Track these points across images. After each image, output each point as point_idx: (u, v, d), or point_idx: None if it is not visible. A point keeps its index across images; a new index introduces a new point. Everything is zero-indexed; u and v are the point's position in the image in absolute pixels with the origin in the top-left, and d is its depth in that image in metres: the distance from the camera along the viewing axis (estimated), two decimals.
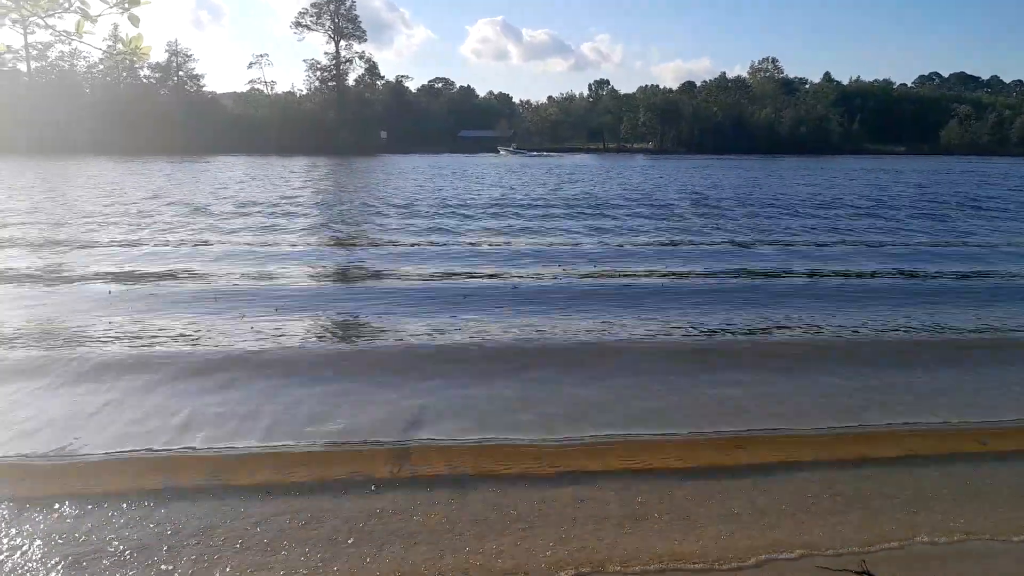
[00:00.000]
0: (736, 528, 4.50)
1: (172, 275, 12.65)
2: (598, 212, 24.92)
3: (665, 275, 13.24)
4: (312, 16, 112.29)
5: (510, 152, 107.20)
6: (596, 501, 4.81)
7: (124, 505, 4.66)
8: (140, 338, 8.56)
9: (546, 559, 4.14)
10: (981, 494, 4.98)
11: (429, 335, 8.87)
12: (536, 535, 4.39)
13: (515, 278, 12.72)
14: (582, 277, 12.95)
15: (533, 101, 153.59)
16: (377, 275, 13.17)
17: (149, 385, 6.95)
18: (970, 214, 25.44)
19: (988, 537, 4.41)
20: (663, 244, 17.45)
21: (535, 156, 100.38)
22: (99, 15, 3.12)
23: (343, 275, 13.39)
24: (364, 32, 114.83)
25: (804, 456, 5.56)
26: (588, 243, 17.45)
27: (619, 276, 13.11)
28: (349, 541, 4.29)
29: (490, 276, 12.98)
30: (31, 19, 3.40)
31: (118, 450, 5.58)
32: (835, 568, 4.03)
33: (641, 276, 13.15)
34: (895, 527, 4.52)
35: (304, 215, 23.23)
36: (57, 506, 4.64)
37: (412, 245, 16.95)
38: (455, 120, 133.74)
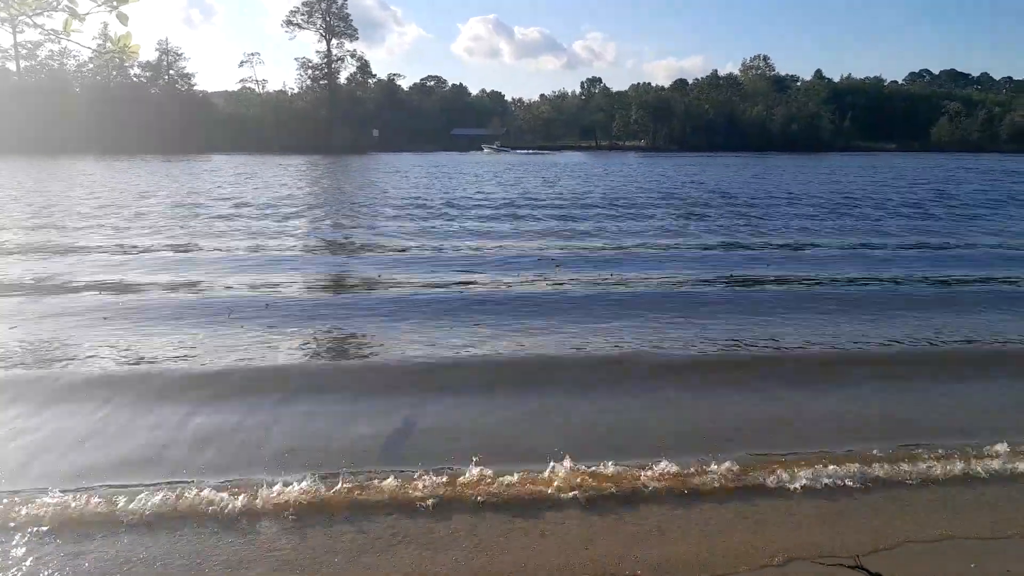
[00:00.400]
0: (734, 529, 4.52)
1: (166, 285, 12.10)
2: (619, 212, 24.84)
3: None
4: (303, 14, 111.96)
5: (493, 150, 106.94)
6: (585, 516, 4.83)
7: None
8: (132, 353, 8.19)
9: (553, 567, 4.15)
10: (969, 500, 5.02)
11: (434, 348, 8.53)
12: (546, 544, 4.41)
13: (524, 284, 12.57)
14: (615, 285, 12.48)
15: (526, 99, 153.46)
16: (384, 283, 12.66)
17: (139, 404, 6.60)
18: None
19: (974, 537, 4.44)
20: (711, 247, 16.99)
21: (520, 154, 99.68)
22: (87, 13, 3.10)
23: (351, 284, 12.80)
24: (356, 30, 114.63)
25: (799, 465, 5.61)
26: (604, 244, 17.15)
27: (629, 284, 12.61)
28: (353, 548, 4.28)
29: (493, 283, 12.52)
30: (20, 18, 3.37)
31: (110, 483, 5.54)
32: (830, 563, 4.05)
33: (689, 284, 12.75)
34: (889, 527, 4.54)
35: (300, 216, 22.81)
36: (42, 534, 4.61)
37: (403, 250, 16.36)
38: (448, 118, 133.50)
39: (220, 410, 6.49)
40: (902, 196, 31.81)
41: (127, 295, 11.22)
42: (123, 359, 7.96)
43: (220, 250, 15.96)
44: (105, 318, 9.70)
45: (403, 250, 16.35)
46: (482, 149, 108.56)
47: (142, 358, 7.96)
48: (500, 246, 16.83)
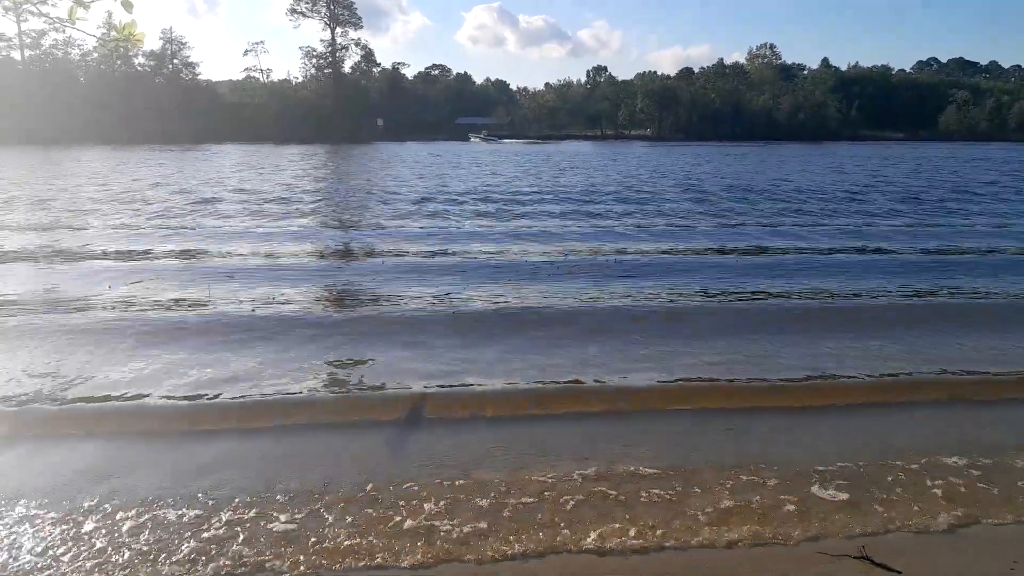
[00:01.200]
0: (735, 518, 4.51)
1: (171, 300, 10.23)
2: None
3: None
4: (307, 3, 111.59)
5: (481, 139, 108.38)
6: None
7: None
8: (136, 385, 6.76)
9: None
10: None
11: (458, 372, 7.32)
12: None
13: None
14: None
15: (531, 88, 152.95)
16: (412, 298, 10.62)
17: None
18: None
19: (984, 523, 4.43)
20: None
21: (509, 143, 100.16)
22: (92, 1, 3.09)
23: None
24: (360, 19, 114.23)
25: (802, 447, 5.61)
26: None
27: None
28: None
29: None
30: (24, 6, 3.37)
31: None
32: (835, 553, 4.05)
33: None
34: (896, 518, 4.53)
35: (313, 214, 20.95)
36: None
37: (424, 254, 14.44)
38: (452, 107, 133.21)
39: None
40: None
41: (152, 311, 9.63)
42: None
43: (231, 258, 13.91)
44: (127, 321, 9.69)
45: (432, 255, 14.48)
46: (469, 139, 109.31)
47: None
48: (525, 250, 14.92)
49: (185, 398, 6.45)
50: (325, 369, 7.33)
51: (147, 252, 14.36)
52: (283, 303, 10.04)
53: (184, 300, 10.16)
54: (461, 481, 4.91)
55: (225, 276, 11.91)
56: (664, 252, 14.81)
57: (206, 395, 6.49)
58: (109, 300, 10.15)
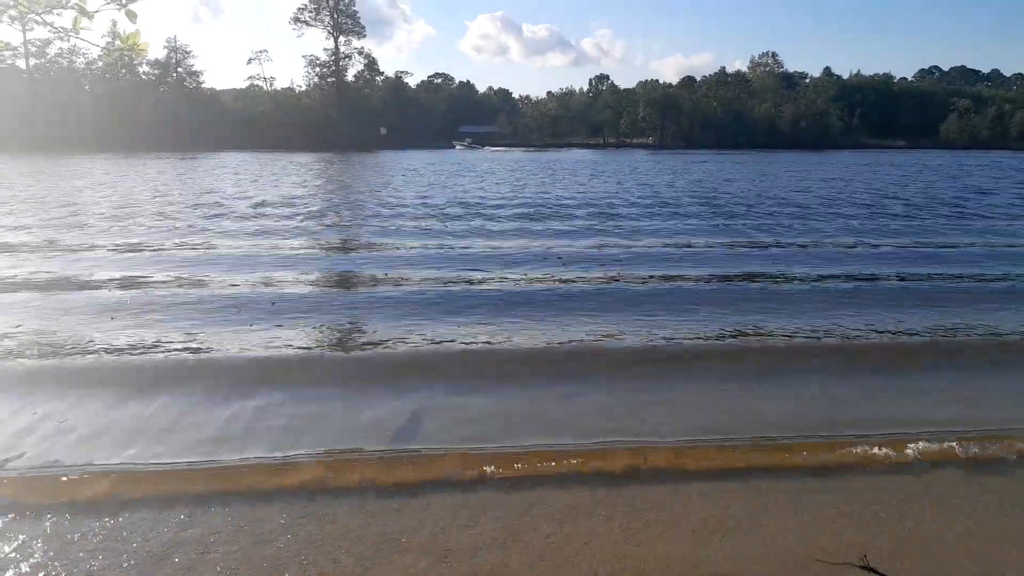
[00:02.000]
0: (737, 527, 4.50)
1: (159, 343, 8.48)
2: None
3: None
4: (311, 12, 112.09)
5: (465, 147, 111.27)
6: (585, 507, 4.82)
7: None
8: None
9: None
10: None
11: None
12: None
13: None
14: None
15: (533, 96, 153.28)
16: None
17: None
18: None
19: (988, 534, 4.41)
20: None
21: (492, 151, 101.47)
22: (96, 11, 3.11)
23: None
24: (363, 28, 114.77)
25: (797, 457, 5.59)
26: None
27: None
28: None
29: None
30: (29, 16, 3.40)
31: None
32: (836, 562, 4.03)
33: None
34: (899, 524, 4.52)
35: (323, 231, 19.23)
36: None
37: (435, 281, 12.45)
38: (455, 116, 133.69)
39: None
40: None
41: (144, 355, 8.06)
42: None
43: (236, 287, 12.02)
44: (116, 310, 9.65)
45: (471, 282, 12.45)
46: (454, 146, 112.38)
47: None
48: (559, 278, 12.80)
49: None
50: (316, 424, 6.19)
51: (146, 279, 12.63)
52: (289, 343, 8.65)
53: (172, 343, 8.54)
54: None
55: (227, 308, 10.37)
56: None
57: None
58: (89, 341, 8.56)
